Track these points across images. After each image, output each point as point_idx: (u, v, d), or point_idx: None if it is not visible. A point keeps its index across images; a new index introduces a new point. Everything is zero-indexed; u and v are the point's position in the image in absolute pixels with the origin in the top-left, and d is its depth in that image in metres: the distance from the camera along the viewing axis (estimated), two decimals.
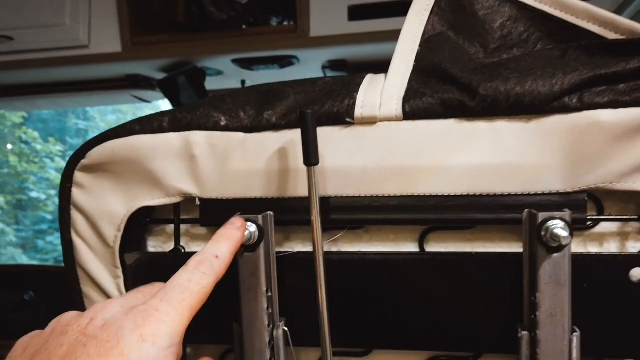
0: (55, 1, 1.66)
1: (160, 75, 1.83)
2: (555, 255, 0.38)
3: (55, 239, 4.48)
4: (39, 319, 1.56)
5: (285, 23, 1.73)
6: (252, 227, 0.41)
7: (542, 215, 0.38)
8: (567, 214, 0.37)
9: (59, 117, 4.60)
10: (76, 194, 0.47)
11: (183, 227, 0.49)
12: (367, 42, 1.53)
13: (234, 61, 1.71)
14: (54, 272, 1.70)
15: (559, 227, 0.37)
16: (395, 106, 0.42)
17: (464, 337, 0.43)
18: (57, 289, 1.60)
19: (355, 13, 1.52)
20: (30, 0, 1.68)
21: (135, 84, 1.83)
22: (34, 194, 4.41)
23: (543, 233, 0.37)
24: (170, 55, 1.69)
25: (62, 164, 4.41)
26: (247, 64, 1.70)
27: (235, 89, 0.49)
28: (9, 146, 4.29)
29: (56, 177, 4.34)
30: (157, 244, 0.50)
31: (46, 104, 2.04)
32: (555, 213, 0.37)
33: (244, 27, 1.65)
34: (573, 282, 0.39)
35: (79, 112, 4.55)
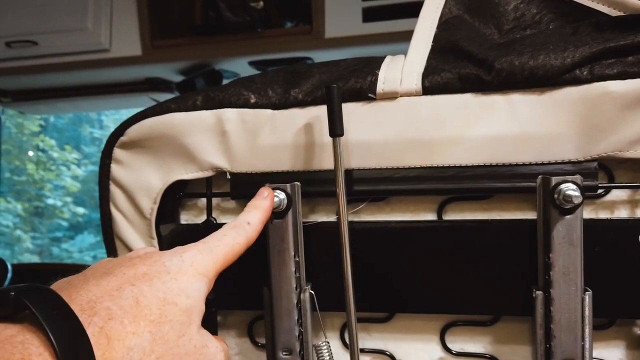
0: (78, 6, 1.71)
1: (179, 78, 1.87)
2: (567, 217, 0.40)
3: (70, 246, 4.55)
4: None
5: (300, 26, 1.77)
6: (282, 195, 0.44)
7: (555, 179, 0.40)
8: (578, 177, 0.40)
9: (74, 127, 4.69)
10: (115, 169, 0.51)
11: (214, 201, 0.52)
12: (381, 43, 1.56)
13: (251, 63, 1.75)
14: (72, 270, 1.74)
15: (570, 189, 0.39)
16: (415, 81, 0.45)
17: (482, 301, 0.45)
18: None
19: (370, 14, 1.55)
20: (54, 5, 1.74)
21: (154, 86, 1.88)
22: (50, 201, 4.48)
23: (556, 196, 0.40)
24: (188, 57, 1.73)
25: (78, 171, 4.49)
26: (263, 66, 1.74)
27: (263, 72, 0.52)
28: (30, 153, 4.37)
29: (72, 185, 4.42)
30: (190, 218, 0.53)
31: (67, 107, 2.10)
32: (567, 177, 0.40)
33: (259, 30, 1.69)
34: (585, 246, 0.41)
35: (94, 121, 4.62)
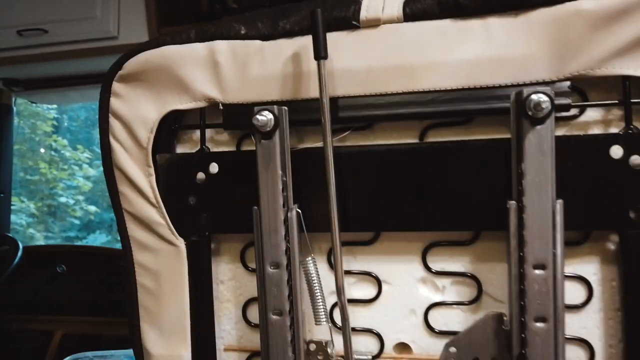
0: None
1: None
2: (538, 127, 0.42)
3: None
4: (70, 294, 1.63)
5: None
6: (269, 115, 0.47)
7: (526, 90, 0.42)
8: (548, 88, 0.42)
9: (86, 128, 4.76)
10: (114, 102, 0.53)
11: (208, 133, 0.54)
12: None
13: None
14: (86, 252, 1.78)
15: (541, 98, 0.41)
16: (397, 8, 0.47)
17: (462, 217, 0.47)
18: (88, 266, 1.68)
19: None
20: None
21: None
22: (62, 199, 4.55)
23: (527, 106, 0.42)
24: None
25: (90, 171, 4.56)
26: None
27: None
28: (42, 150, 4.44)
29: (84, 184, 4.48)
30: (185, 150, 0.55)
31: (77, 96, 2.14)
32: (538, 88, 0.42)
33: None
34: (558, 161, 0.43)
35: None
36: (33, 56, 1.90)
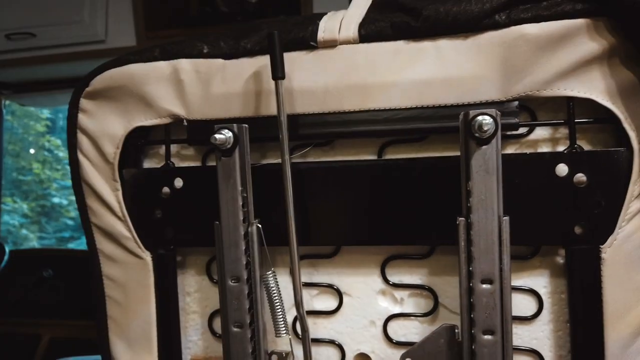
0: None
1: None
2: (484, 147, 0.44)
3: (77, 245, 4.61)
4: (57, 298, 1.65)
5: None
6: (228, 133, 0.48)
7: (472, 112, 0.43)
8: (493, 110, 0.43)
9: None
10: (81, 118, 0.55)
11: (174, 149, 0.56)
12: None
13: None
14: (73, 256, 1.79)
15: (485, 120, 0.43)
16: (352, 30, 0.49)
17: (418, 232, 0.49)
18: (75, 270, 1.69)
19: None
20: None
21: None
22: (56, 200, 4.55)
23: (473, 127, 0.43)
24: None
25: None
26: None
27: None
28: (32, 150, 4.44)
29: None
30: (152, 165, 0.57)
31: (66, 99, 2.14)
32: (484, 110, 0.43)
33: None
34: (507, 178, 0.45)
35: None
36: (22, 60, 1.91)
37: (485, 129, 0.42)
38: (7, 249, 1.61)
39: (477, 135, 0.43)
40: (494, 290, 0.44)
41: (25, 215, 4.46)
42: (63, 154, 4.59)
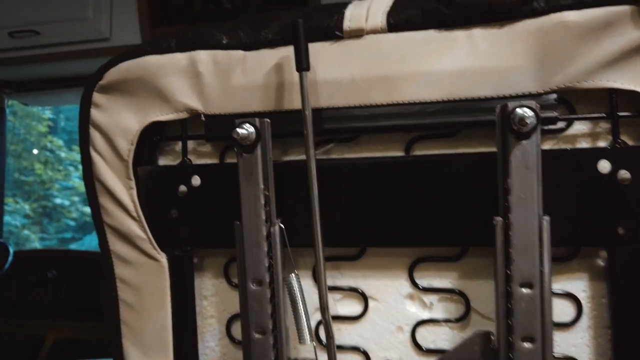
0: None
1: None
2: (524, 141, 0.41)
3: (79, 246, 4.58)
4: (61, 299, 1.62)
5: None
6: (250, 128, 0.46)
7: (511, 104, 0.41)
8: (533, 102, 0.41)
9: None
10: (94, 113, 0.52)
11: (190, 145, 0.53)
12: None
13: None
14: (77, 257, 1.76)
15: (525, 113, 0.40)
16: (380, 18, 0.46)
17: (449, 233, 0.46)
18: (79, 271, 1.66)
19: None
20: None
21: None
22: (58, 201, 4.53)
23: (512, 120, 0.41)
24: None
25: None
26: None
27: None
28: (35, 151, 4.42)
29: (80, 185, 4.46)
30: (167, 162, 0.54)
31: (70, 98, 2.12)
32: (523, 102, 0.41)
33: None
34: (545, 176, 0.42)
35: None
36: (25, 58, 1.88)
37: (528, 122, 0.39)
38: (11, 250, 1.59)
39: (516, 129, 0.41)
40: (534, 295, 0.41)
41: (27, 216, 4.43)
42: (65, 154, 4.57)
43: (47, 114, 4.38)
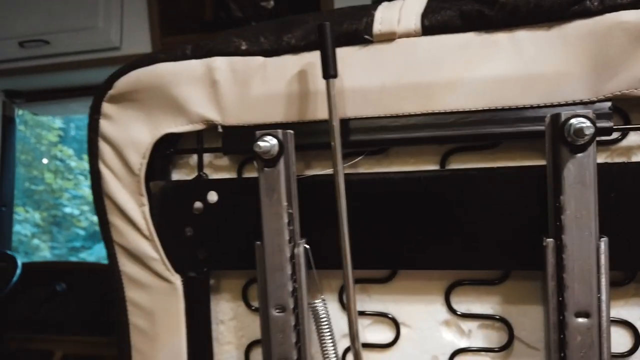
0: (89, 5, 1.72)
1: None
2: (579, 155, 0.37)
3: (88, 255, 4.57)
4: (70, 313, 1.59)
5: None
6: (273, 141, 0.42)
7: (565, 114, 0.37)
8: (589, 111, 0.37)
9: None
10: (103, 125, 0.49)
11: (206, 159, 0.49)
12: None
13: None
14: (86, 269, 1.74)
15: (582, 123, 0.36)
16: (414, 21, 0.42)
17: (490, 255, 0.42)
18: (89, 284, 1.63)
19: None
20: (66, 4, 1.75)
21: None
22: (67, 210, 4.52)
23: (566, 132, 0.37)
24: None
25: None
26: None
27: None
28: (45, 160, 4.42)
29: (90, 194, 4.45)
30: (181, 176, 0.50)
31: (79, 108, 2.11)
32: (578, 111, 0.37)
33: None
34: (600, 192, 0.38)
35: None
36: (35, 67, 1.87)
37: (586, 133, 0.35)
38: (19, 263, 1.56)
39: (570, 140, 0.37)
40: (591, 326, 0.37)
41: (37, 224, 4.43)
42: (75, 163, 4.57)
43: (58, 123, 4.38)
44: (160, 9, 1.72)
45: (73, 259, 4.43)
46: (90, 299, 1.62)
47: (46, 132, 4.40)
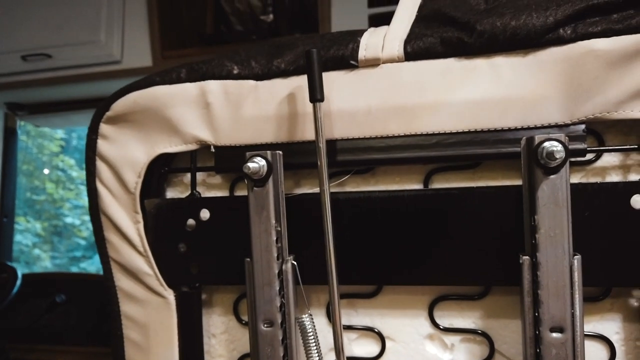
0: (91, 19, 1.75)
1: None
2: (552, 176, 0.39)
3: (89, 265, 4.58)
4: (69, 322, 1.60)
5: None
6: (261, 161, 0.44)
7: (538, 137, 0.39)
8: (562, 135, 0.39)
9: None
10: (101, 144, 0.51)
11: (199, 177, 0.51)
12: None
13: None
14: (86, 280, 1.75)
15: (554, 147, 0.38)
16: (397, 47, 0.44)
17: (471, 271, 0.44)
18: (88, 295, 1.65)
19: (376, 21, 1.56)
20: (68, 19, 1.78)
21: None
22: (69, 220, 4.53)
23: (540, 154, 0.38)
24: None
25: None
26: None
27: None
28: (46, 171, 4.45)
29: None
30: (175, 194, 0.52)
31: (81, 120, 2.13)
32: (551, 135, 0.39)
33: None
34: (575, 211, 0.39)
35: None
36: (37, 81, 1.89)
37: (557, 157, 0.37)
38: (19, 274, 1.57)
39: (543, 163, 0.39)
40: (565, 340, 0.39)
41: (38, 234, 4.45)
42: (77, 173, 4.59)
43: (60, 133, 4.41)
44: (161, 23, 1.75)
45: (74, 268, 4.44)
46: (90, 309, 1.64)
47: (48, 142, 4.43)
